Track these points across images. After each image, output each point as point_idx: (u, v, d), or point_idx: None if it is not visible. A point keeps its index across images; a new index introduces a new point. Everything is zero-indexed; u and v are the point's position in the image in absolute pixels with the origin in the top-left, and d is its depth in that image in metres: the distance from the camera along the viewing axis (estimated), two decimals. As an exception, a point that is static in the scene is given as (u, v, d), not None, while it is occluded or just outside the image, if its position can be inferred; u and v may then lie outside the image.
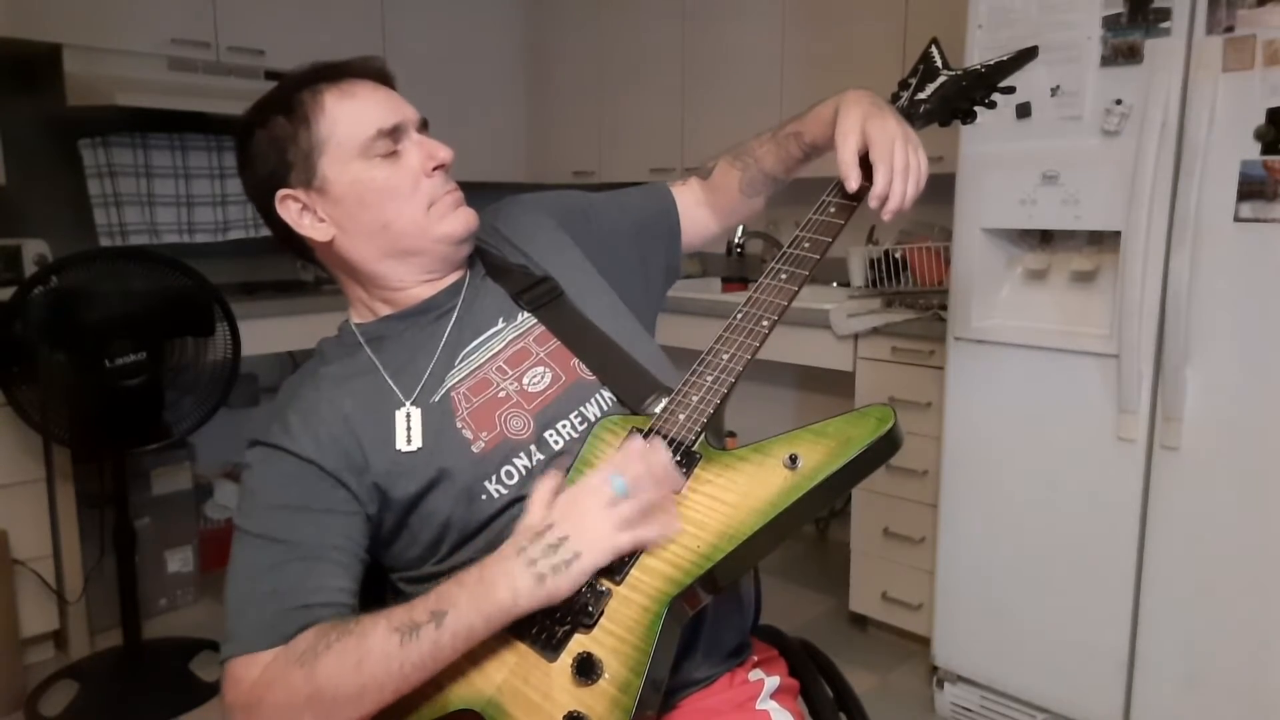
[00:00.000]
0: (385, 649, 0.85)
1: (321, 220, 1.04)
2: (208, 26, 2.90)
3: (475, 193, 1.09)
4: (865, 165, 1.02)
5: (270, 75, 2.99)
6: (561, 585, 0.84)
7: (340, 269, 1.09)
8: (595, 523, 0.86)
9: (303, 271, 3.36)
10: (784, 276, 1.01)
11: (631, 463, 0.90)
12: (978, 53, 1.98)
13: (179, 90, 2.80)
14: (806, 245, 1.03)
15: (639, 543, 0.87)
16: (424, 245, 1.05)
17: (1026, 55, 1.14)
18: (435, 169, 1.04)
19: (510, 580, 0.85)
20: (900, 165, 1.01)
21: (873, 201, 1.01)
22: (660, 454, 0.91)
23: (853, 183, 1.02)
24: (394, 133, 1.02)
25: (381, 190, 1.02)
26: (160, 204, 3.00)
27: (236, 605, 0.93)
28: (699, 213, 1.27)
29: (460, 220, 1.06)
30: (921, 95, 1.11)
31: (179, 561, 2.91)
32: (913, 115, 1.11)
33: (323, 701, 0.85)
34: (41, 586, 2.50)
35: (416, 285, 1.08)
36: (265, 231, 1.08)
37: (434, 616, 0.85)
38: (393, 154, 1.03)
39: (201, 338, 2.39)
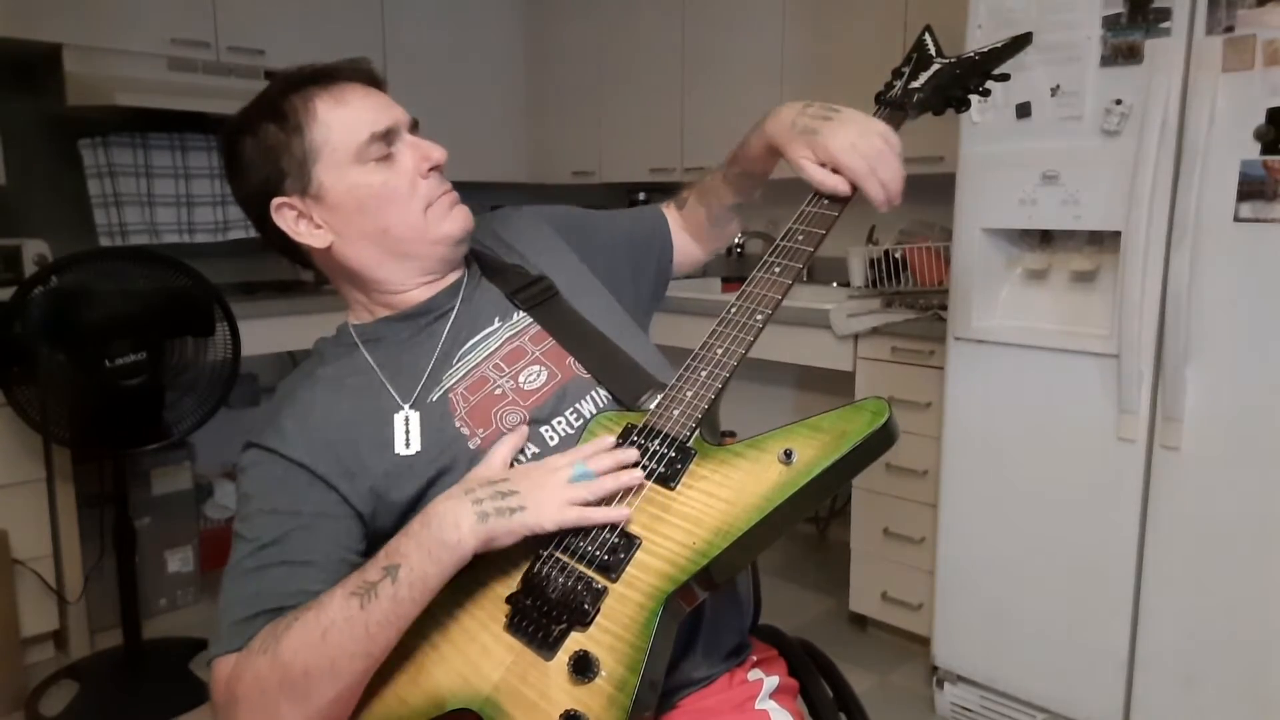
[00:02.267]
0: (347, 614, 0.85)
1: (319, 227, 1.03)
2: (208, 26, 2.90)
3: (475, 193, 1.09)
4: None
5: (270, 75, 2.98)
6: (500, 528, 0.86)
7: (338, 274, 1.09)
8: (548, 490, 0.89)
9: (303, 272, 3.35)
10: (777, 270, 1.00)
11: (599, 457, 0.92)
12: (977, 52, 1.98)
13: (179, 90, 2.80)
14: (800, 238, 1.02)
15: (584, 520, 0.89)
16: (423, 248, 1.05)
17: (1020, 42, 1.14)
18: (430, 170, 1.05)
19: (454, 515, 0.87)
20: (875, 158, 1.00)
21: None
22: (629, 452, 0.93)
23: (843, 188, 1.01)
24: (387, 136, 1.02)
25: (379, 195, 1.02)
26: (160, 204, 3.00)
27: (224, 607, 0.93)
28: (683, 236, 1.31)
29: (458, 220, 1.07)
30: (915, 84, 1.11)
31: (179, 561, 2.91)
32: (906, 104, 1.10)
33: (294, 680, 0.85)
34: (41, 586, 2.50)
35: (415, 288, 1.08)
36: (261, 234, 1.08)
37: (387, 572, 0.86)
38: (387, 157, 1.03)
39: (201, 338, 2.39)
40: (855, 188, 1.02)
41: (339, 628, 0.85)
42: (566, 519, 0.88)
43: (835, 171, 1.02)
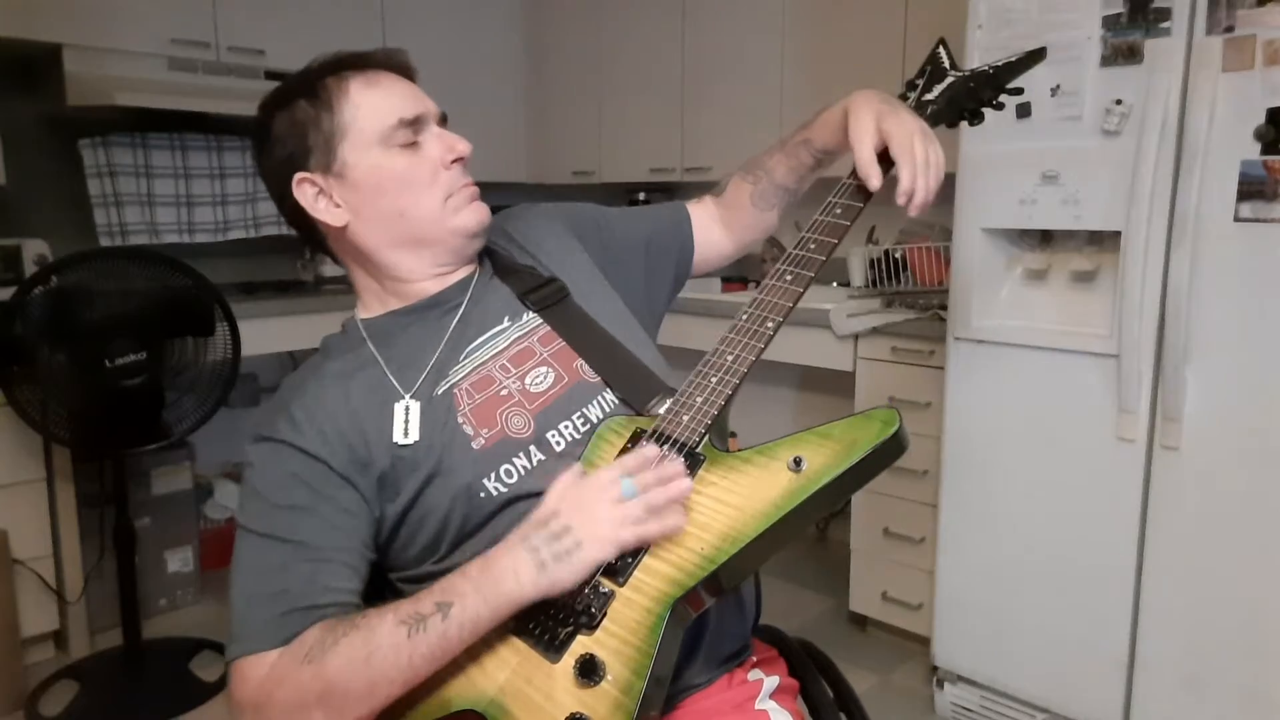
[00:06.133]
0: (394, 642, 0.85)
1: (337, 205, 1.04)
2: (208, 26, 2.90)
3: (475, 192, 1.09)
4: (881, 163, 1.03)
5: (270, 75, 2.99)
6: (562, 574, 0.85)
7: (352, 257, 1.09)
8: (600, 516, 0.86)
9: (303, 271, 3.36)
10: (789, 278, 1.01)
11: (643, 474, 0.89)
12: (978, 53, 1.98)
13: (179, 90, 2.80)
14: (812, 246, 1.03)
15: (642, 538, 0.87)
16: (438, 236, 1.06)
17: (1035, 57, 1.14)
18: (454, 161, 1.06)
19: (514, 568, 0.85)
20: (921, 160, 1.01)
21: (900, 198, 1.02)
22: (674, 465, 0.90)
23: (875, 181, 1.02)
24: (415, 123, 1.04)
25: (400, 179, 1.03)
26: (160, 204, 3.00)
27: (243, 605, 0.93)
28: (714, 230, 1.28)
29: (475, 214, 1.07)
30: (929, 96, 1.11)
31: (179, 561, 2.91)
32: (920, 115, 1.11)
33: (334, 696, 0.86)
34: (41, 586, 2.50)
35: (426, 279, 1.08)
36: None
37: (440, 608, 0.85)
38: (413, 144, 1.04)
39: (201, 338, 2.39)
40: (869, 194, 1.04)
41: (384, 654, 0.85)
42: (625, 541, 0.86)
43: (881, 160, 1.03)
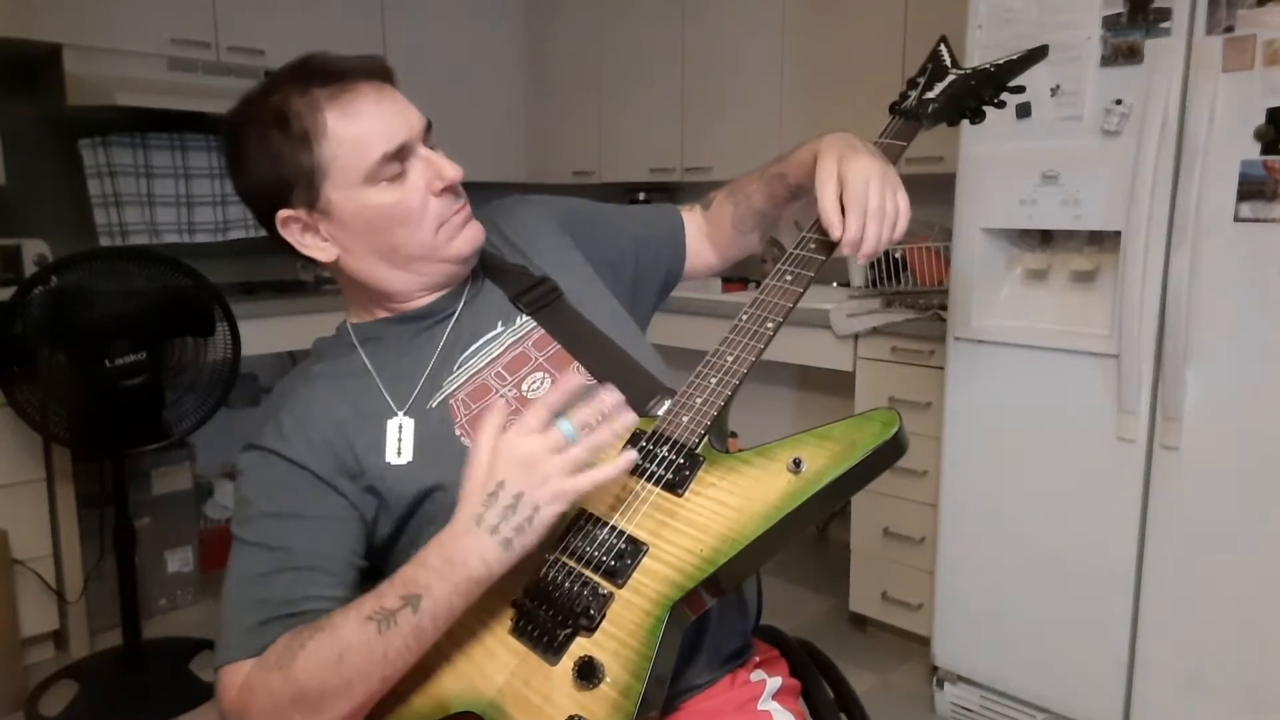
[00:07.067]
0: (364, 639, 0.83)
1: (325, 240, 1.01)
2: (208, 26, 2.90)
3: (475, 193, 1.08)
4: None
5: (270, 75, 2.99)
6: (529, 542, 0.84)
7: (343, 280, 1.08)
8: (546, 472, 0.83)
9: (303, 271, 3.37)
10: (789, 278, 1.01)
11: (576, 411, 0.86)
12: (978, 53, 1.98)
13: (179, 90, 2.80)
14: (812, 246, 1.02)
15: (595, 483, 0.85)
16: (431, 265, 1.04)
17: (1036, 55, 1.14)
18: (443, 190, 1.02)
19: (479, 552, 0.83)
20: (875, 207, 0.98)
21: (845, 248, 0.99)
22: (611, 395, 0.87)
23: (836, 230, 0.99)
24: (400, 152, 0.98)
25: (390, 215, 0.99)
26: (160, 204, 3.00)
27: (229, 613, 0.92)
28: (701, 242, 1.28)
29: (468, 239, 1.04)
30: (930, 94, 1.11)
31: (179, 561, 2.91)
32: (921, 114, 1.10)
33: (309, 699, 0.84)
34: (41, 586, 2.50)
35: (418, 297, 1.07)
36: (265, 231, 1.07)
37: (407, 601, 0.83)
38: (399, 174, 0.99)
39: (201, 338, 2.39)
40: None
41: (355, 652, 0.83)
42: (579, 489, 0.84)
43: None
